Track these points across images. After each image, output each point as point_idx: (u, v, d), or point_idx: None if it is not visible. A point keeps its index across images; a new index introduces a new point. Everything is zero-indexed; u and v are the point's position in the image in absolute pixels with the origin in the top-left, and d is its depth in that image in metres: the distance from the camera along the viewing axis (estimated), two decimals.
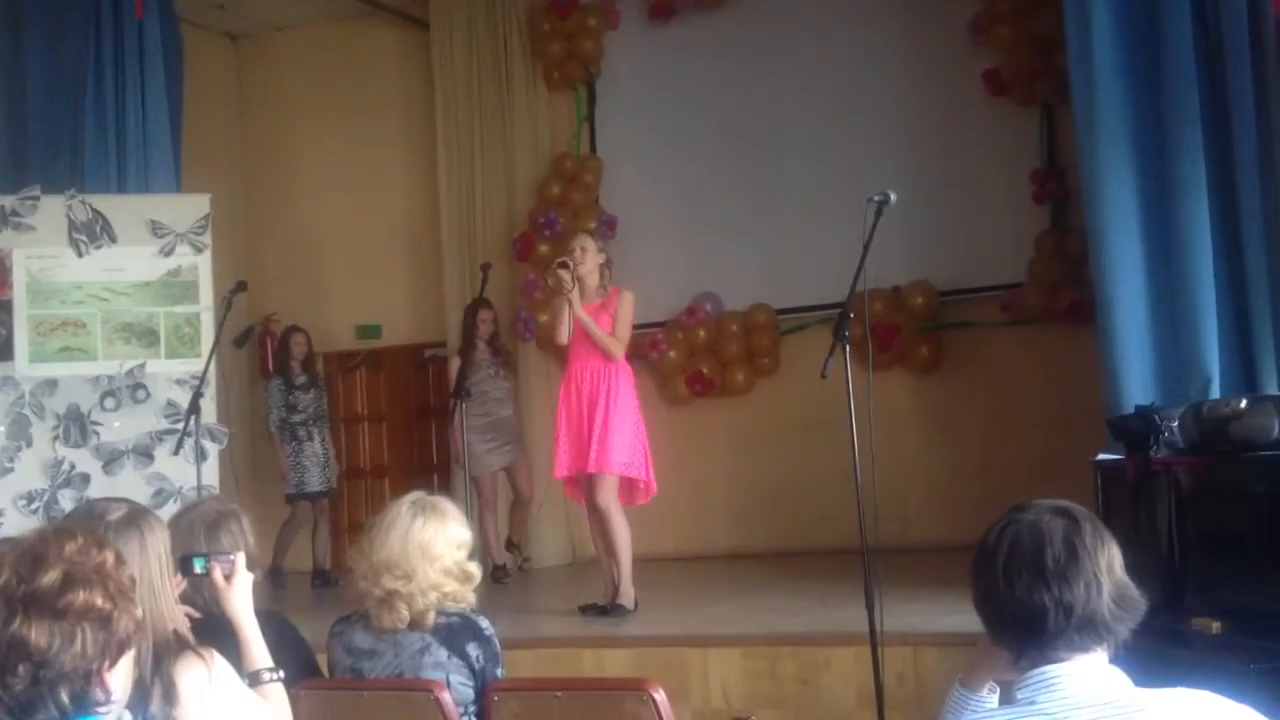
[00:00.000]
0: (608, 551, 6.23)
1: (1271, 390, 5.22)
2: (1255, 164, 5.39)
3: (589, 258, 6.32)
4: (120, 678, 1.90)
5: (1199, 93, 5.50)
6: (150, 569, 2.35)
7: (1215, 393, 5.30)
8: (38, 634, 1.75)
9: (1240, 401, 4.58)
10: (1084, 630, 1.95)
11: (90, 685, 1.79)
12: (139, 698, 2.25)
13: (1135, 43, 5.69)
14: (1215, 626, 4.24)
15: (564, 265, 6.27)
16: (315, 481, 8.68)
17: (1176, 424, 4.76)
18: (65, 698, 1.76)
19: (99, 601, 1.80)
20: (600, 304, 6.31)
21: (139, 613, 1.90)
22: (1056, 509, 2.03)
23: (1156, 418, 4.82)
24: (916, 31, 8.56)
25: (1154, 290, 5.61)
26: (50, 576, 1.78)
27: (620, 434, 6.12)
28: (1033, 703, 1.95)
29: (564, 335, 6.34)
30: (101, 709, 1.83)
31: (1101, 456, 5.14)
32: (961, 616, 5.25)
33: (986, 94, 8.29)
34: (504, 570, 8.13)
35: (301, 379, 8.80)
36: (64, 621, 1.76)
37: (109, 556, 1.87)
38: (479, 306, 8.19)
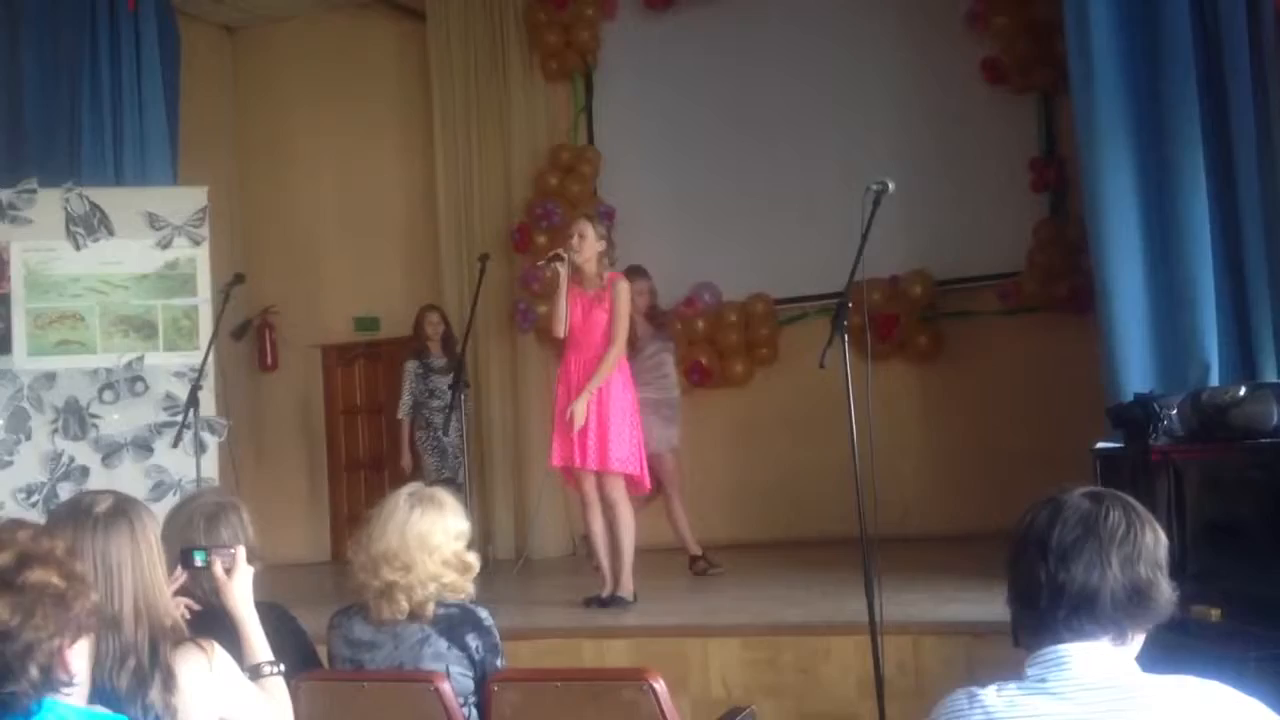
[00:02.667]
0: (611, 542, 6.21)
1: (1270, 377, 5.22)
2: (1253, 152, 5.39)
3: (586, 245, 6.18)
4: (80, 661, 1.98)
5: (1197, 81, 5.50)
6: (141, 558, 2.33)
7: (1214, 380, 5.30)
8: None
9: (1239, 389, 4.56)
10: (1080, 614, 1.92)
11: (54, 662, 1.88)
12: (137, 685, 2.25)
13: (1134, 30, 5.69)
14: (1215, 614, 4.23)
15: (558, 257, 6.20)
16: (447, 470, 7.93)
17: (1176, 412, 4.74)
18: (35, 671, 1.85)
19: (54, 580, 1.90)
20: (595, 295, 6.19)
21: (95, 598, 2.00)
22: (1090, 493, 2.01)
23: (1156, 405, 4.80)
24: (914, 20, 8.54)
25: (1153, 278, 5.62)
26: (5, 556, 1.88)
27: (618, 431, 6.09)
28: (1043, 680, 1.94)
29: (561, 329, 6.21)
30: (65, 690, 1.92)
31: (1101, 445, 5.13)
32: (961, 605, 5.27)
33: (984, 82, 8.28)
34: (706, 560, 7.25)
35: (440, 361, 8.12)
36: (23, 596, 1.85)
37: (59, 545, 1.97)
38: (634, 275, 6.98)
